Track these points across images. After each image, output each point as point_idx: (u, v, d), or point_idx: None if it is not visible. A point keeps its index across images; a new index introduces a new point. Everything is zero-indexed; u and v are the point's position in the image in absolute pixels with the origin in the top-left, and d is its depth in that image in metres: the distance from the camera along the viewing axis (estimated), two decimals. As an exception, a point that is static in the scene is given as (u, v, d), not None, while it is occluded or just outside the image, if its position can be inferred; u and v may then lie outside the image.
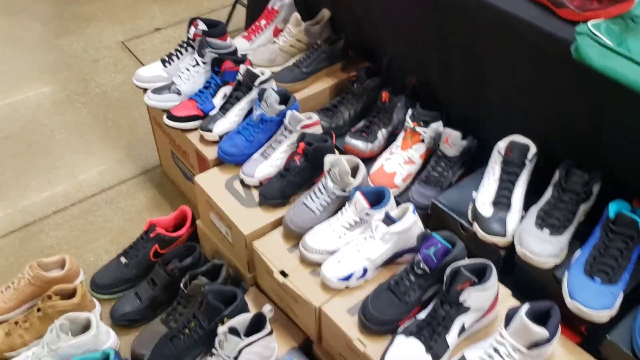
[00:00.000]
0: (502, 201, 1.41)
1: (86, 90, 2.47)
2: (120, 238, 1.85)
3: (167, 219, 1.75)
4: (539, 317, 1.16)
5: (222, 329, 1.35)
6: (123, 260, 1.71)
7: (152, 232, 1.70)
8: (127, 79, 2.46)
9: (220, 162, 1.67)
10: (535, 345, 1.14)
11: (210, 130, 1.69)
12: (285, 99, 1.68)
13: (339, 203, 1.51)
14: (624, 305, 1.25)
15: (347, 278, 1.37)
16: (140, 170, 2.10)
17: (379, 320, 1.29)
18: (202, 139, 1.72)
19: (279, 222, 1.54)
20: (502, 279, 1.34)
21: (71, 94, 2.46)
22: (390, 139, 1.73)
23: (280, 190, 1.56)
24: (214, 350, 1.37)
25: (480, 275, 1.24)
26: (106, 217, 1.94)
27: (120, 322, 1.62)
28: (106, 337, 1.53)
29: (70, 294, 1.57)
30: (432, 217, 1.53)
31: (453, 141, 1.58)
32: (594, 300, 1.21)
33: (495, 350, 1.17)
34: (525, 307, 1.16)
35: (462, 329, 1.24)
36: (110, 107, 2.39)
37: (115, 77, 2.54)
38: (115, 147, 2.20)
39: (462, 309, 1.22)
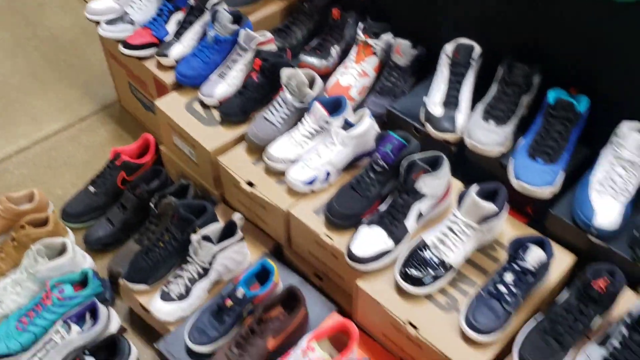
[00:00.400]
0: (451, 101, 1.50)
1: (35, 34, 2.43)
2: (86, 171, 1.87)
3: (131, 148, 1.79)
4: (487, 196, 1.27)
5: (195, 237, 1.41)
6: (92, 189, 1.74)
7: (117, 160, 1.73)
8: (77, 20, 2.43)
9: (178, 85, 1.71)
10: (484, 220, 1.25)
11: (166, 56, 1.72)
12: (237, 18, 1.71)
13: (298, 115, 1.57)
14: (566, 185, 1.37)
15: (312, 182, 1.45)
16: (99, 107, 2.11)
17: (343, 214, 1.37)
18: (159, 65, 1.74)
19: (241, 138, 1.60)
20: (454, 173, 1.43)
21: (20, 39, 2.41)
22: (344, 56, 1.78)
23: (240, 107, 1.61)
24: (189, 259, 1.44)
25: (433, 165, 1.33)
26: (69, 153, 1.96)
27: (95, 247, 1.67)
28: (82, 260, 1.59)
29: (43, 223, 1.61)
30: (387, 124, 1.61)
31: (404, 50, 1.65)
32: (537, 178, 1.32)
33: (450, 229, 1.27)
34: (475, 187, 1.27)
35: (419, 215, 1.34)
36: (62, 49, 2.36)
37: (64, 19, 2.50)
38: (71, 86, 2.19)
39: (418, 196, 1.31)
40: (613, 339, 1.09)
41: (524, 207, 1.43)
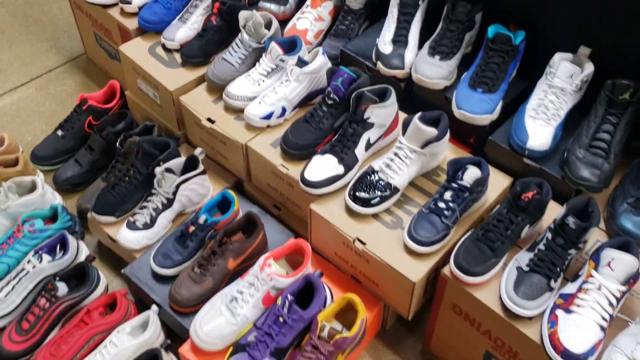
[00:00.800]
0: (400, 39, 1.58)
1: (0, -9, 2.46)
2: (54, 119, 1.93)
3: (97, 94, 1.84)
4: (430, 123, 1.36)
5: (159, 170, 1.49)
6: (60, 133, 1.80)
7: (84, 105, 1.79)
8: (41, -24, 2.46)
9: (141, 32, 1.77)
10: (427, 144, 1.34)
11: (129, 2, 1.77)
12: (197, -35, 1.77)
13: (256, 55, 1.64)
14: (506, 117, 1.47)
15: (268, 117, 1.53)
16: (66, 59, 2.16)
17: (297, 145, 1.46)
18: (123, 12, 1.80)
19: (202, 80, 1.67)
20: (403, 109, 1.53)
21: (-16, -4, 2.44)
22: (302, 4, 1.85)
23: (201, 49, 1.67)
24: (153, 191, 1.52)
25: (381, 97, 1.42)
26: (38, 103, 2.01)
27: (64, 187, 1.74)
28: (52, 198, 1.65)
29: (13, 163, 1.67)
30: (341, 64, 1.69)
31: (357, -6, 1.72)
32: (477, 107, 1.42)
33: (395, 154, 1.37)
34: (418, 114, 1.36)
35: (368, 144, 1.43)
36: (27, 5, 2.39)
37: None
38: (38, 40, 2.23)
39: (367, 125, 1.40)
40: (540, 244, 1.20)
41: (467, 138, 1.53)
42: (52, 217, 1.59)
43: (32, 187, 1.61)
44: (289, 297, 1.27)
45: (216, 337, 1.29)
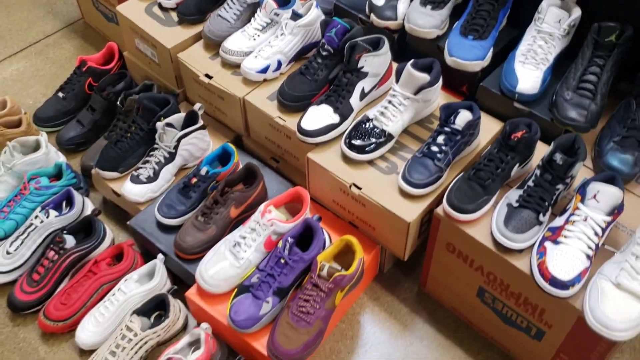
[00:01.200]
0: (393, -9, 1.61)
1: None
2: (54, 82, 1.96)
3: (96, 56, 1.87)
4: (423, 70, 1.39)
5: (160, 124, 1.53)
6: (61, 95, 1.84)
7: (83, 67, 1.82)
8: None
9: (138, -9, 1.79)
10: (420, 90, 1.38)
11: (124, -37, 1.79)
12: None
13: (251, 11, 1.67)
14: (496, 63, 1.50)
15: (264, 70, 1.56)
16: (63, 24, 2.18)
17: (293, 97, 1.50)
18: (118, -27, 1.82)
19: (198, 37, 1.70)
20: (396, 60, 1.56)
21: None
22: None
23: (196, 7, 1.70)
24: (155, 145, 1.56)
25: (375, 46, 1.45)
26: (37, 67, 2.04)
27: (67, 146, 1.78)
28: (56, 156, 1.70)
29: (17, 124, 1.71)
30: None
31: (349, -51, 1.74)
32: (468, 53, 1.45)
33: (389, 102, 1.40)
34: (411, 61, 1.39)
35: (363, 93, 1.47)
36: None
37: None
38: (34, 6, 2.25)
39: (361, 74, 1.44)
40: (529, 181, 1.24)
41: (460, 86, 1.57)
42: (57, 174, 1.64)
43: (36, 147, 1.66)
44: (290, 239, 1.32)
45: (221, 280, 1.34)
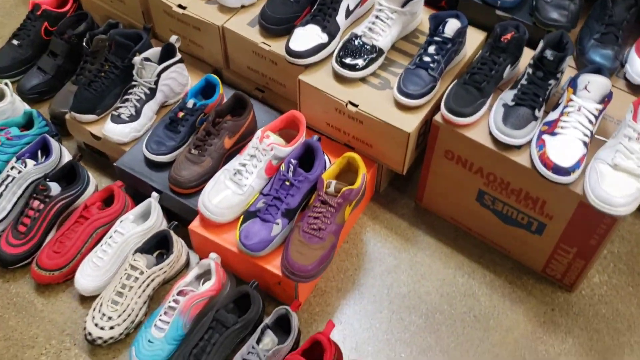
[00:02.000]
0: None
1: None
2: (3, 31, 1.83)
3: (49, -1, 1.76)
4: (406, -17, 1.40)
5: (137, 59, 1.46)
6: (15, 42, 1.72)
7: (37, 10, 1.70)
8: None
9: None
10: (406, 2, 1.38)
11: None
12: None
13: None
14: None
15: (241, -4, 1.52)
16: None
17: (276, 19, 1.46)
18: None
19: (165, -32, 1.62)
20: None
21: None
22: None
23: (159, -64, 1.61)
24: (134, 82, 1.49)
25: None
26: (-20, 17, 1.89)
27: (30, 96, 1.67)
28: (22, 106, 1.59)
29: (-28, 75, 1.59)
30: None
31: None
32: (447, -35, 1.47)
33: (377, 17, 1.40)
34: (395, -26, 1.39)
35: (348, 11, 1.45)
36: None
37: None
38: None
39: (344, -8, 1.42)
40: (522, 80, 1.28)
41: (439, 2, 1.58)
42: (27, 124, 1.54)
43: (1, 96, 1.54)
44: (293, 161, 1.31)
45: (225, 208, 1.31)
